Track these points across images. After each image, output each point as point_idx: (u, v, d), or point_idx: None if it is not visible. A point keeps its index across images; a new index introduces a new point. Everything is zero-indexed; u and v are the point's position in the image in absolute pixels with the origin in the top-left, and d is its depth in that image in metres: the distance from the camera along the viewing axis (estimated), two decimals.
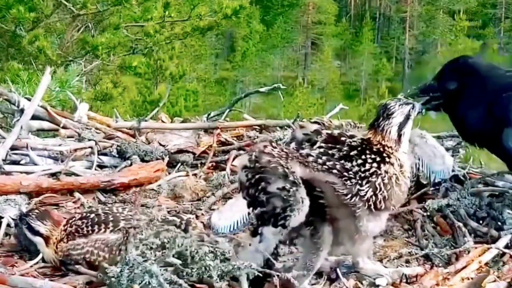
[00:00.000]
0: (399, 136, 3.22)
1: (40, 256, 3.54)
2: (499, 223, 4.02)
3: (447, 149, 5.06)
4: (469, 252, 3.60)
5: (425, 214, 4.22)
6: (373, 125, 3.24)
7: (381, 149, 3.17)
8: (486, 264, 3.53)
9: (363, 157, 3.15)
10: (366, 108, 56.40)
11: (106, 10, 13.06)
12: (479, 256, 3.55)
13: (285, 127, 5.89)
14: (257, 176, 3.03)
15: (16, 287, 3.04)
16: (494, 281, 3.33)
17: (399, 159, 3.20)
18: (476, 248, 3.63)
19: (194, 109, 34.18)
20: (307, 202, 2.99)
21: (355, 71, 68.67)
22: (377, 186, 3.12)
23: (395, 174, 3.16)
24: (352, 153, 3.17)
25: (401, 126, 3.23)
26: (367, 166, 3.13)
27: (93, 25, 13.52)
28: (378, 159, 3.15)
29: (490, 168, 4.76)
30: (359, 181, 3.12)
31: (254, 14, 62.69)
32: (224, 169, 5.22)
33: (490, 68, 4.07)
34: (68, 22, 13.25)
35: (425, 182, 4.54)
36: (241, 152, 5.60)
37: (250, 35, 65.75)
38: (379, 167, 3.14)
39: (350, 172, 3.11)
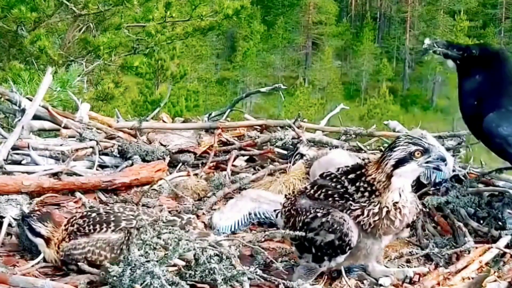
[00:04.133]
0: (392, 171, 3.10)
1: (41, 255, 3.54)
2: (500, 223, 4.03)
3: (448, 149, 5.08)
4: (469, 252, 3.60)
5: (424, 210, 4.21)
6: (382, 154, 3.20)
7: (371, 181, 3.15)
8: (487, 263, 3.53)
9: (357, 184, 3.18)
10: (366, 108, 56.48)
11: (108, 10, 13.04)
12: (480, 256, 3.55)
13: (286, 127, 5.90)
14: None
15: (17, 287, 3.05)
16: (495, 280, 3.33)
17: (390, 196, 3.14)
18: (476, 248, 3.63)
19: (195, 109, 34.19)
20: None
21: (355, 71, 68.63)
22: (365, 211, 3.15)
23: (387, 207, 3.14)
24: (350, 176, 3.22)
25: (399, 163, 3.10)
26: (359, 194, 3.17)
27: (94, 25, 13.50)
28: (369, 189, 3.16)
29: (491, 168, 4.77)
30: (351, 199, 3.17)
31: (255, 14, 62.68)
32: (225, 169, 5.23)
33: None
34: (70, 22, 13.24)
35: (425, 182, 4.55)
36: (242, 152, 5.62)
37: (251, 35, 65.73)
38: (370, 196, 3.16)
39: (344, 190, 3.19)
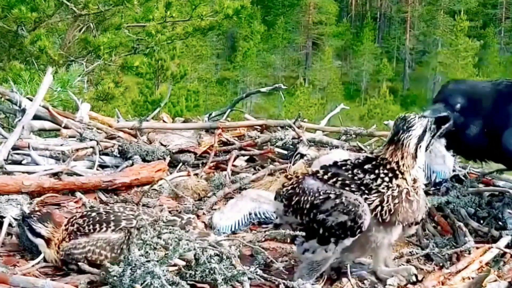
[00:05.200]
0: (416, 149, 3.16)
1: (41, 255, 3.54)
2: (500, 223, 4.04)
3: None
4: (470, 252, 3.61)
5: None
6: (392, 140, 3.18)
7: (395, 167, 3.15)
8: (487, 263, 3.54)
9: (376, 171, 3.17)
10: (367, 108, 56.51)
11: (108, 10, 13.06)
12: (480, 256, 3.55)
13: (286, 127, 5.90)
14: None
15: (18, 287, 3.05)
16: (495, 280, 3.33)
17: (413, 174, 3.17)
18: (477, 248, 3.63)
19: (195, 109, 34.23)
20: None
21: (356, 71, 68.67)
22: (385, 197, 3.13)
23: (407, 189, 3.15)
24: (366, 166, 3.19)
25: (420, 139, 3.16)
26: (379, 181, 3.15)
27: (94, 25, 13.52)
28: (390, 174, 3.15)
29: (491, 168, 4.77)
30: (367, 191, 3.15)
31: (255, 14, 62.71)
32: (225, 169, 5.22)
33: (476, 86, 4.08)
34: (70, 22, 13.25)
35: (425, 182, 4.55)
36: (242, 152, 5.63)
37: (251, 35, 65.76)
38: (391, 181, 3.15)
39: (360, 182, 3.16)
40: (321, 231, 3.15)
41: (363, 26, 70.63)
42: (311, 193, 3.20)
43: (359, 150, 5.65)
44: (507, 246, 3.70)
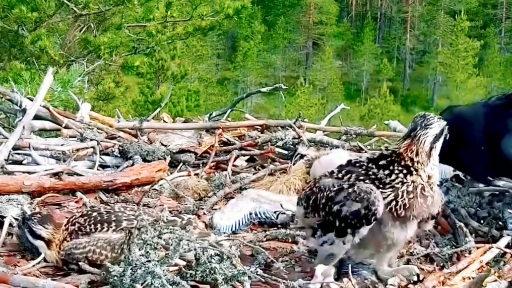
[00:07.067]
0: (431, 149, 3.16)
1: (42, 255, 3.54)
2: (500, 223, 4.03)
3: None
4: (470, 252, 3.61)
5: None
6: (409, 135, 3.19)
7: (410, 164, 3.16)
8: (487, 263, 3.54)
9: (391, 167, 3.17)
10: (367, 108, 56.50)
11: (108, 10, 13.07)
12: (481, 256, 3.55)
13: (287, 127, 5.91)
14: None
15: (18, 287, 3.05)
16: (495, 280, 3.34)
17: (427, 171, 3.18)
18: (477, 248, 3.63)
19: (195, 109, 34.24)
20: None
21: (356, 71, 68.67)
22: (399, 192, 3.14)
23: (422, 185, 3.16)
24: (381, 162, 3.20)
25: (436, 139, 3.17)
26: (393, 176, 3.16)
27: (95, 25, 13.52)
28: (405, 171, 3.16)
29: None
30: (381, 185, 3.15)
31: (256, 14, 62.75)
32: (225, 169, 5.23)
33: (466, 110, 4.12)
34: (70, 22, 13.26)
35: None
36: (243, 151, 5.63)
37: (252, 35, 65.77)
38: (405, 177, 3.15)
39: (374, 177, 3.17)
40: (337, 223, 3.16)
41: (363, 26, 70.62)
42: (327, 189, 3.23)
43: (359, 150, 5.66)
44: (507, 246, 3.70)
